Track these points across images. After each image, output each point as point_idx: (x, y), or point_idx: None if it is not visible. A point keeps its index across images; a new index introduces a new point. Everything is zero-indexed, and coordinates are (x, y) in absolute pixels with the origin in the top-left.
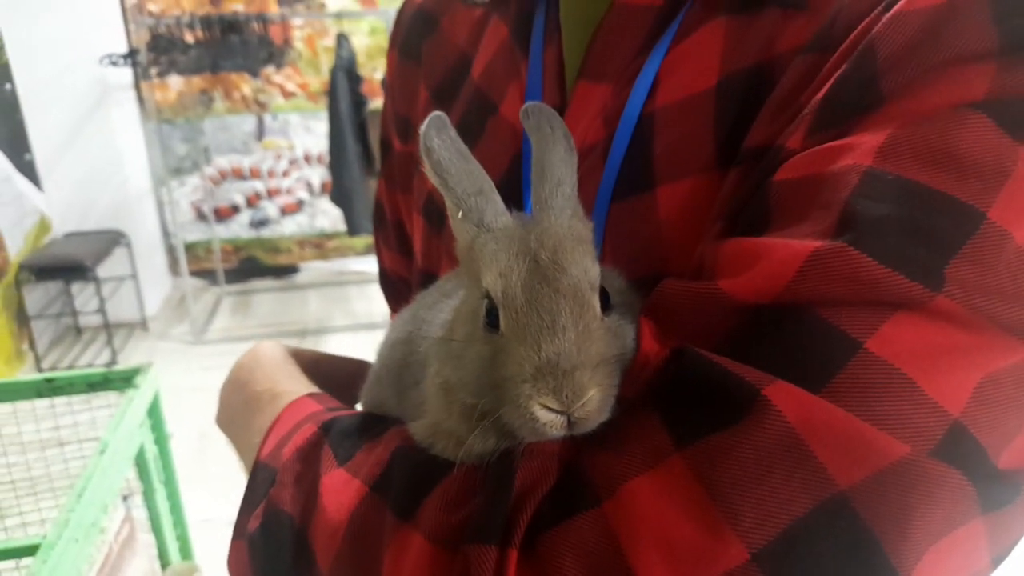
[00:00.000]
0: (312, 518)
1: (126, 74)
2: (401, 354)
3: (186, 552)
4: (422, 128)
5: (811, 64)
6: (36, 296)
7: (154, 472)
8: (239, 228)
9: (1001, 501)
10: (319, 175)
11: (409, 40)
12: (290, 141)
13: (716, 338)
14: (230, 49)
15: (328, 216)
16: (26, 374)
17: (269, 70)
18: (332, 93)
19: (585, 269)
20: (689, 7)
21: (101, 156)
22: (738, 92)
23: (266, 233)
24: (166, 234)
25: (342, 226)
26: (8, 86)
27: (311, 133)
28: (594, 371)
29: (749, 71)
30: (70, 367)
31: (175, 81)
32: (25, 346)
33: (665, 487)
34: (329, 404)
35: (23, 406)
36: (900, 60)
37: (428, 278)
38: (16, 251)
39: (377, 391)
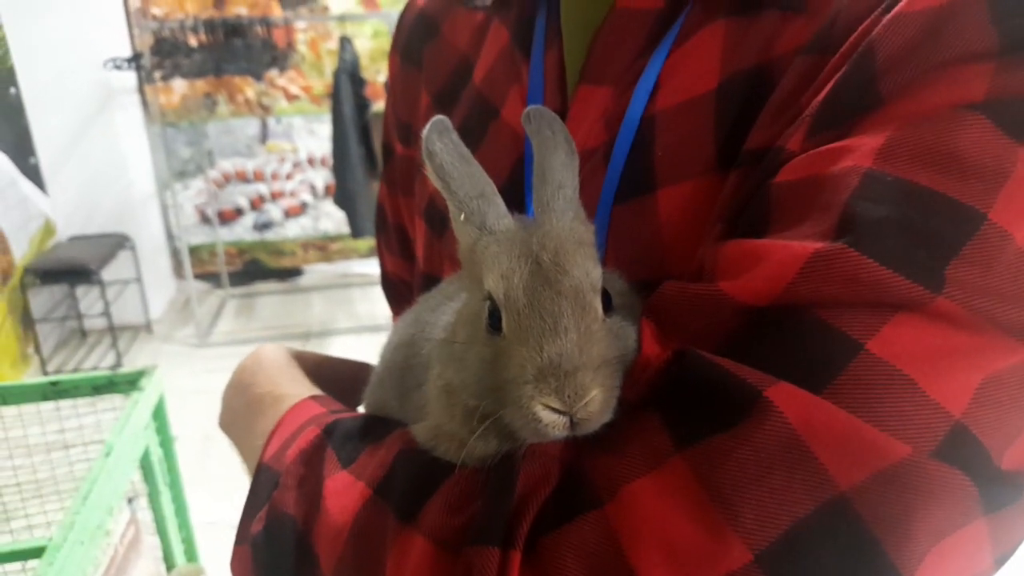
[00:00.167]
0: (315, 521)
1: (130, 78)
2: (403, 357)
3: (191, 554)
4: (424, 132)
5: (811, 66)
6: (41, 299)
7: (159, 474)
8: (243, 231)
9: (1003, 502)
10: (323, 178)
11: (410, 44)
12: (294, 144)
13: (717, 339)
14: (234, 52)
15: (332, 219)
16: (31, 377)
17: (273, 73)
18: (335, 96)
19: (587, 271)
20: (689, 10)
21: (105, 159)
22: (738, 94)
23: (270, 236)
24: (170, 237)
25: (346, 229)
26: (13, 90)
27: (315, 136)
28: (596, 372)
29: (749, 73)
30: (75, 370)
31: (179, 84)
32: (30, 349)
33: (666, 488)
34: (332, 407)
35: (29, 409)
36: (899, 61)
37: (430, 281)
38: (21, 254)
39: (380, 394)
